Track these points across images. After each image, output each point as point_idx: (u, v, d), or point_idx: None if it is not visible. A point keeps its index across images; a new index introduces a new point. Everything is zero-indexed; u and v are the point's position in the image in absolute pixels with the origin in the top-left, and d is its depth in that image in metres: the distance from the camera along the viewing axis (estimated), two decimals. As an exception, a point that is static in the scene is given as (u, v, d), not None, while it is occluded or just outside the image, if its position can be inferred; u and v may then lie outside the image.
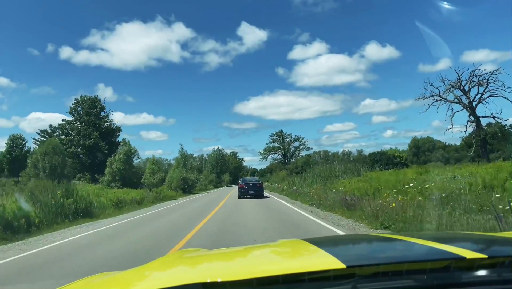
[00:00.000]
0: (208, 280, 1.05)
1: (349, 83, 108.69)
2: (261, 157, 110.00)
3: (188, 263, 1.65)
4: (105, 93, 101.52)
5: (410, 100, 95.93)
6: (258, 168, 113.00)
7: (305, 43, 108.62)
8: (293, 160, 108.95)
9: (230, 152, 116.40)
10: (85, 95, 51.69)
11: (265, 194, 27.85)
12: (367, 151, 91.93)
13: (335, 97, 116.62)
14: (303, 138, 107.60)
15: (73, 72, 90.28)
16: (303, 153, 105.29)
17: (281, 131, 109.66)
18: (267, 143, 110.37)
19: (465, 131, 36.71)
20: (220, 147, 77.93)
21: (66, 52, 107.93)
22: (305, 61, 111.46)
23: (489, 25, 77.45)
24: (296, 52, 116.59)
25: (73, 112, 51.05)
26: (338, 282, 1.06)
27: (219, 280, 1.05)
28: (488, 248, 1.42)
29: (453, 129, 38.26)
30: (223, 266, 1.51)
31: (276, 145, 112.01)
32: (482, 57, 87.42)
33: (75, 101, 51.41)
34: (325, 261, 1.19)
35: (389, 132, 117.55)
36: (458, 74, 36.22)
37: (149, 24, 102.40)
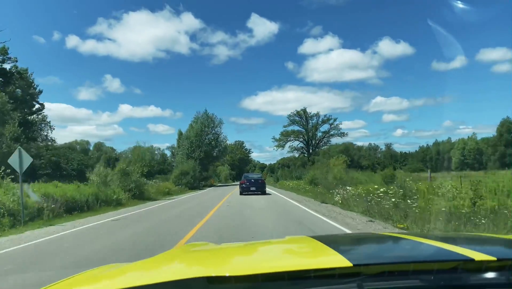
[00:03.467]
0: (213, 275, 1.05)
1: (361, 80, 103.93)
2: (275, 145, 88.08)
3: (194, 257, 1.67)
4: (113, 84, 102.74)
5: (422, 99, 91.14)
6: (267, 163, 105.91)
7: (317, 37, 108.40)
8: (321, 149, 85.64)
9: (235, 142, 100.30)
10: None
11: None
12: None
13: (346, 94, 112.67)
14: (335, 119, 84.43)
15: (80, 62, 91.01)
16: (334, 140, 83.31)
17: (305, 110, 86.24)
18: (284, 126, 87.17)
19: None
20: (209, 112, 52.32)
21: (72, 41, 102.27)
22: (315, 56, 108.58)
23: (505, 23, 66.97)
24: (307, 46, 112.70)
25: None
26: (344, 280, 1.05)
27: (224, 274, 1.05)
28: (497, 250, 1.41)
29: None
30: (229, 261, 1.50)
31: (297, 128, 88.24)
32: (499, 56, 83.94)
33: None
34: (331, 259, 1.21)
35: (399, 132, 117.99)
36: None
37: (157, 14, 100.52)
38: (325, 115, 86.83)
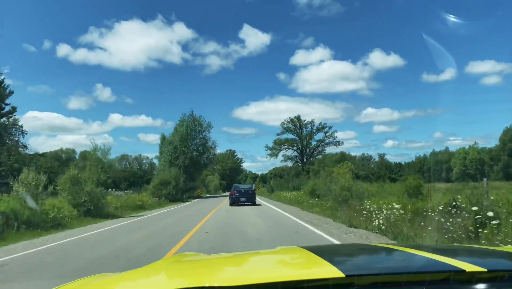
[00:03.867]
0: (206, 285, 1.05)
1: (351, 91, 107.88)
2: (268, 153, 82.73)
3: (186, 267, 1.66)
4: (103, 93, 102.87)
5: (412, 110, 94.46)
6: (259, 173, 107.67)
7: (308, 48, 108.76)
8: (315, 158, 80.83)
9: (227, 150, 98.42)
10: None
11: None
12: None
13: (337, 105, 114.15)
14: (330, 127, 79.63)
15: (71, 71, 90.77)
16: (328, 150, 77.72)
17: (299, 118, 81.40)
18: (277, 134, 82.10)
19: None
20: (195, 115, 46.34)
21: (63, 49, 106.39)
22: (307, 67, 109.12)
23: (494, 37, 77.18)
24: (299, 57, 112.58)
25: None
26: None
27: (216, 285, 1.05)
28: (488, 262, 1.42)
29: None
30: (221, 271, 1.49)
31: (290, 136, 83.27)
32: (487, 68, 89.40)
33: None
34: (324, 269, 1.21)
35: (389, 143, 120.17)
36: None
37: (149, 23, 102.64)
38: (319, 123, 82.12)
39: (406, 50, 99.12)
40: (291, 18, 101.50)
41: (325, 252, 1.75)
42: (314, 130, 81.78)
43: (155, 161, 69.28)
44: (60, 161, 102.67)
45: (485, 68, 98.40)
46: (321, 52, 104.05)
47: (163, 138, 45.55)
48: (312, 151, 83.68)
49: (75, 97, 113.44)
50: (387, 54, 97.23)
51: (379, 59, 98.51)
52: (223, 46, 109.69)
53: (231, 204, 22.78)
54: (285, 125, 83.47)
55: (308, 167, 76.89)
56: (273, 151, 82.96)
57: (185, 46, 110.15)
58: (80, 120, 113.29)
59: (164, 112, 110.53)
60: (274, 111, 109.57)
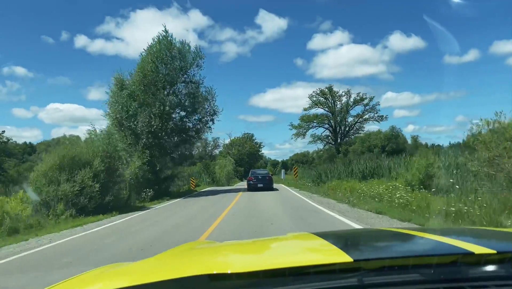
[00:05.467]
0: (215, 272, 1.07)
1: (371, 75, 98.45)
2: (294, 133, 67.64)
3: (196, 255, 1.69)
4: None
5: (434, 94, 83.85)
6: (279, 160, 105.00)
7: (326, 32, 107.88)
8: (352, 138, 65.85)
9: (244, 134, 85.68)
10: None
11: None
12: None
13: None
14: (371, 98, 64.20)
15: (90, 62, 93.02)
16: (368, 126, 63.31)
17: (331, 88, 66.27)
18: (304, 109, 67.25)
19: None
20: (172, 38, 21.85)
21: (81, 40, 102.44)
22: (325, 51, 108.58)
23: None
24: (316, 42, 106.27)
25: None
26: (344, 275, 1.06)
27: (225, 272, 1.07)
28: (497, 243, 1.42)
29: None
30: (230, 258, 1.54)
31: (321, 111, 68.24)
32: None
33: None
34: (332, 254, 1.22)
35: (410, 127, 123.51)
36: None
37: (165, 11, 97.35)
38: (358, 94, 66.45)
39: (428, 31, 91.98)
40: (308, 1, 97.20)
41: (333, 238, 1.76)
42: (351, 103, 66.37)
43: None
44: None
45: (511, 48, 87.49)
46: (339, 35, 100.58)
47: (118, 83, 20.97)
48: (348, 128, 68.37)
49: (95, 88, 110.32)
50: (407, 36, 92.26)
51: (399, 41, 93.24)
52: (239, 33, 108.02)
53: (248, 190, 22.90)
54: (314, 98, 68.14)
55: (346, 147, 61.73)
56: (300, 129, 68.06)
57: (201, 34, 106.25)
58: (101, 111, 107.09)
59: None
60: (291, 98, 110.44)
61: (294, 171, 31.68)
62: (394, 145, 49.31)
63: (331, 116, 66.88)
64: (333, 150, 63.50)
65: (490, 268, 1.11)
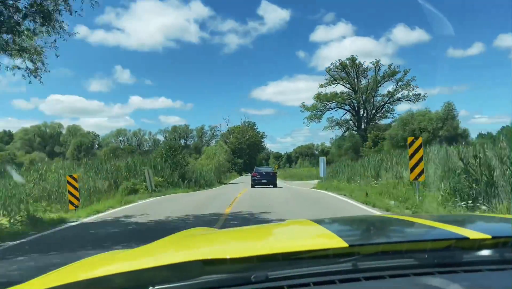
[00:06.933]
0: (209, 257, 1.06)
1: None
2: (307, 116, 54.13)
3: (193, 241, 1.69)
4: (123, 75, 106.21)
5: (437, 87, 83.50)
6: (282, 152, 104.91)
7: (329, 24, 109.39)
8: (377, 122, 52.52)
9: (244, 122, 74.47)
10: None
11: None
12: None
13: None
14: (406, 71, 50.41)
15: (90, 53, 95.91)
16: (401, 108, 50.83)
17: (353, 59, 52.22)
18: (320, 85, 53.67)
19: None
20: None
21: (80, 31, 62.21)
22: (327, 44, 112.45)
23: None
24: (319, 34, 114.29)
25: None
26: (339, 260, 1.07)
27: (219, 257, 1.07)
28: (491, 228, 1.42)
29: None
30: (225, 244, 1.55)
31: (341, 89, 54.55)
32: None
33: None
34: (328, 240, 1.24)
35: None
36: None
37: (165, 2, 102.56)
38: (390, 66, 52.46)
39: (430, 24, 74.46)
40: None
41: (331, 224, 1.80)
42: (379, 78, 52.42)
43: (160, 137, 65.73)
44: (42, 137, 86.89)
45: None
46: (342, 28, 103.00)
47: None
48: (375, 110, 54.46)
49: (95, 79, 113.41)
50: (411, 29, 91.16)
51: (402, 34, 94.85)
52: (241, 24, 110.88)
53: (252, 186, 22.67)
54: (333, 72, 54.16)
55: (376, 133, 47.89)
56: (314, 112, 54.15)
57: (202, 25, 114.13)
58: (101, 103, 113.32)
59: (184, 93, 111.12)
60: (293, 91, 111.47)
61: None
62: (450, 129, 35.37)
63: (353, 95, 53.06)
64: (357, 137, 49.72)
65: (485, 252, 1.11)
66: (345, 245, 1.08)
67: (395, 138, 39.07)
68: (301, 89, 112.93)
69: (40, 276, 1.28)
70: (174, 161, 21.76)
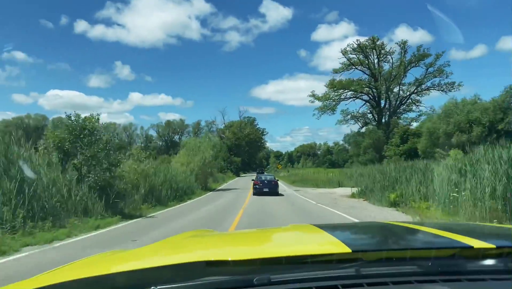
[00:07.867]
0: (212, 259, 1.08)
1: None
2: (318, 107, 45.70)
3: (197, 243, 1.68)
4: (123, 71, 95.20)
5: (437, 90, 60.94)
6: (283, 151, 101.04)
7: (331, 23, 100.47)
8: (403, 116, 44.12)
9: (243, 117, 67.32)
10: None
11: None
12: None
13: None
14: (438, 55, 41.39)
15: (90, 49, 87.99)
16: (428, 101, 40.84)
17: (373, 40, 43.29)
18: (334, 71, 45.18)
19: None
20: None
21: (81, 26, 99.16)
22: (329, 43, 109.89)
23: None
24: (321, 33, 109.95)
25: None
26: (342, 266, 1.08)
27: (222, 259, 1.08)
28: (496, 238, 1.41)
29: None
30: (229, 246, 1.54)
31: (357, 75, 45.57)
32: None
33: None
34: (332, 245, 1.23)
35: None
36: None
37: None
38: (419, 48, 43.70)
39: (433, 24, 79.30)
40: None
41: (335, 229, 1.76)
42: (406, 63, 43.69)
43: (152, 132, 67.21)
44: (25, 130, 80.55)
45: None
46: (345, 27, 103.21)
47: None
48: (399, 102, 45.69)
49: (95, 75, 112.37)
50: (413, 30, 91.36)
51: (405, 35, 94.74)
52: (243, 22, 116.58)
53: (254, 194, 22.46)
54: (349, 56, 45.42)
55: (404, 127, 39.17)
56: (326, 102, 45.48)
57: (203, 22, 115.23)
58: (101, 99, 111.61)
59: (184, 90, 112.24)
60: (293, 90, 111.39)
61: None
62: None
63: (373, 83, 44.38)
64: (379, 132, 41.04)
65: (489, 262, 1.10)
66: (348, 250, 1.07)
67: (434, 134, 30.35)
68: (301, 89, 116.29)
69: (43, 273, 1.28)
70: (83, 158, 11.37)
